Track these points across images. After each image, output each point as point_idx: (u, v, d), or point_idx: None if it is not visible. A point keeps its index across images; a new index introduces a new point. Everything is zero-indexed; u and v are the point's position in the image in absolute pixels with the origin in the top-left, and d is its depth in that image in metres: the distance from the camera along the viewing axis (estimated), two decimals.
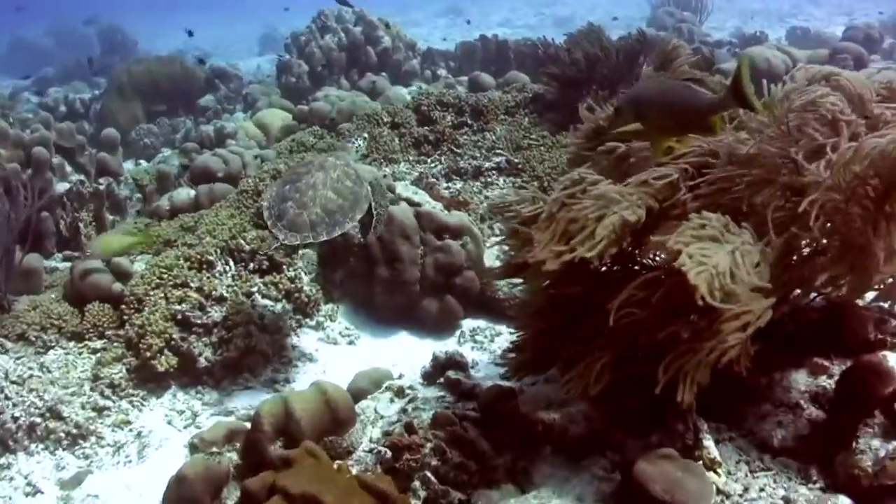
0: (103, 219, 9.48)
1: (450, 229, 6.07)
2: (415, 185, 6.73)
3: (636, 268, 3.27)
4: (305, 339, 5.98)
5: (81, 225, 8.72)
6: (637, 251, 3.23)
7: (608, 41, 8.43)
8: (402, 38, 13.89)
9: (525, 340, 3.70)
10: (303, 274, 6.22)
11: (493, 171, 7.37)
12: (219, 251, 6.05)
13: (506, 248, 3.78)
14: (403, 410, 4.04)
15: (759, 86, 3.05)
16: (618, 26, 17.84)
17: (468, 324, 6.15)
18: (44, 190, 8.65)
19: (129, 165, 14.03)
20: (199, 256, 5.93)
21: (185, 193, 7.77)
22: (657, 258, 3.12)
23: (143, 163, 13.53)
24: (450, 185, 7.28)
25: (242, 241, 6.12)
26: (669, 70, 3.94)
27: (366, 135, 7.37)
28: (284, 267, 6.17)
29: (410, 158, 7.59)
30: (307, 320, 6.12)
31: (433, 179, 7.18)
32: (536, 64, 10.60)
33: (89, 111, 16.24)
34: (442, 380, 4.28)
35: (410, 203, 6.23)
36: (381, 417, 4.10)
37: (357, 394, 4.48)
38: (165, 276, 5.79)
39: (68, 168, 9.80)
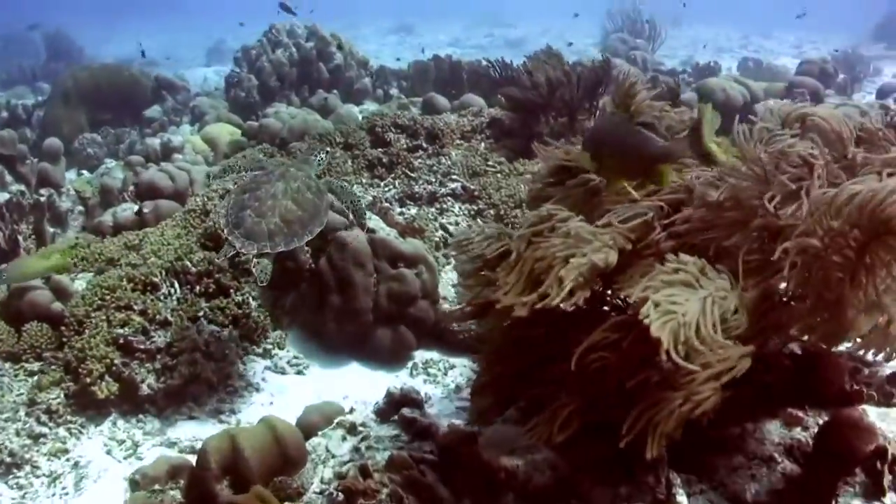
0: (43, 232, 9.23)
1: (405, 258, 5.96)
2: (369, 209, 6.58)
3: (606, 308, 3.18)
4: (252, 368, 5.82)
5: (20, 238, 8.46)
6: (607, 291, 3.14)
7: (570, 66, 8.38)
8: (354, 56, 13.73)
9: (485, 384, 3.58)
10: (251, 299, 6.06)
11: (449, 198, 7.27)
12: (164, 272, 5.89)
13: (462, 288, 3.65)
14: (356, 450, 3.89)
15: (730, 121, 2.99)
16: (572, 52, 17.94)
17: (421, 355, 6.05)
18: None
19: (71, 175, 13.75)
20: (143, 278, 5.76)
21: (128, 211, 7.56)
22: (628, 299, 3.03)
23: (86, 173, 13.24)
24: (404, 210, 7.17)
25: (189, 263, 5.95)
26: (633, 104, 3.87)
27: (323, 154, 7.17)
28: (232, 291, 6.01)
29: (364, 181, 7.46)
30: (254, 347, 5.97)
31: (387, 204, 7.06)
32: (492, 86, 10.51)
33: (32, 118, 15.88)
34: (396, 417, 4.15)
35: (364, 229, 6.10)
36: (333, 456, 3.95)
37: (307, 429, 4.34)
38: (108, 297, 5.63)
39: (8, 177, 9.51)
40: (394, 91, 13.79)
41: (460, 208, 7.17)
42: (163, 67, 31.41)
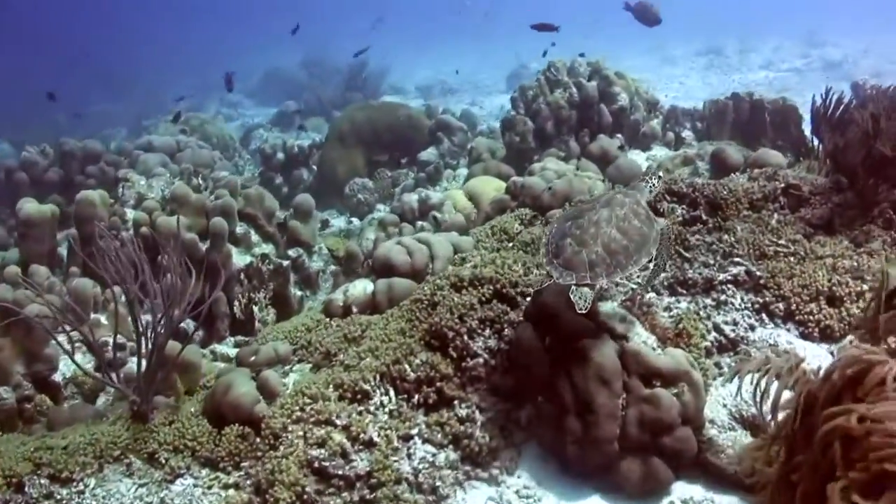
0: (287, 297, 8.98)
1: (662, 375, 4.93)
2: (624, 307, 5.59)
3: None
4: (473, 497, 5.00)
5: (256, 308, 8.17)
6: None
7: None
8: (640, 95, 12.67)
9: None
10: (478, 412, 5.26)
11: (730, 285, 6.10)
12: (378, 377, 5.24)
13: None
14: None
15: None
16: None
17: (680, 490, 4.99)
18: (220, 265, 8.21)
19: (340, 222, 13.70)
20: (353, 384, 5.19)
21: (361, 287, 7.02)
22: None
23: (356, 221, 13.12)
24: (672, 301, 6.08)
25: (407, 367, 5.30)
26: None
27: (656, 179, 6.09)
28: (457, 403, 5.25)
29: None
30: (478, 471, 5.17)
31: (651, 298, 6.00)
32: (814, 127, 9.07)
33: (310, 159, 16.09)
34: None
35: (614, 335, 5.11)
36: None
37: None
38: (308, 408, 5.04)
39: (254, 238, 9.29)
40: (686, 133, 12.61)
41: (742, 300, 5.99)
42: (461, 94, 31.97)
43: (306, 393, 5.16)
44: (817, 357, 5.41)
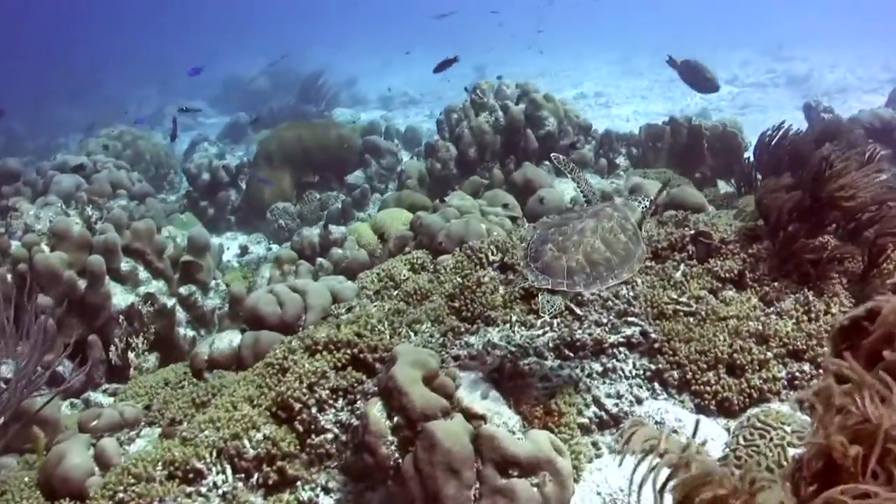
0: (173, 339, 8.40)
1: (520, 463, 4.34)
2: (491, 378, 5.02)
3: None
4: None
5: (132, 355, 7.57)
6: None
7: None
8: (571, 119, 12.07)
9: None
10: (322, 495, 4.71)
11: (622, 349, 5.55)
12: (214, 453, 4.70)
13: None
14: None
15: None
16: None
17: None
18: (97, 307, 7.69)
19: (261, 249, 13.12)
20: (184, 461, 4.63)
21: (227, 340, 6.46)
22: None
23: (275, 248, 12.55)
24: (555, 367, 5.50)
25: (247, 443, 4.75)
26: None
27: (648, 202, 5.57)
28: (300, 484, 4.72)
29: (514, 318, 5.87)
30: None
31: (529, 364, 5.42)
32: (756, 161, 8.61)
33: (238, 179, 15.49)
34: None
35: (470, 415, 4.54)
36: None
37: None
38: (131, 489, 4.50)
39: (143, 274, 8.67)
40: (621, 160, 12.04)
41: (634, 366, 5.45)
42: (422, 105, 31.45)
43: (132, 471, 4.60)
44: (712, 433, 4.88)
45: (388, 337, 5.52)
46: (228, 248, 13.45)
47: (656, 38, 39.09)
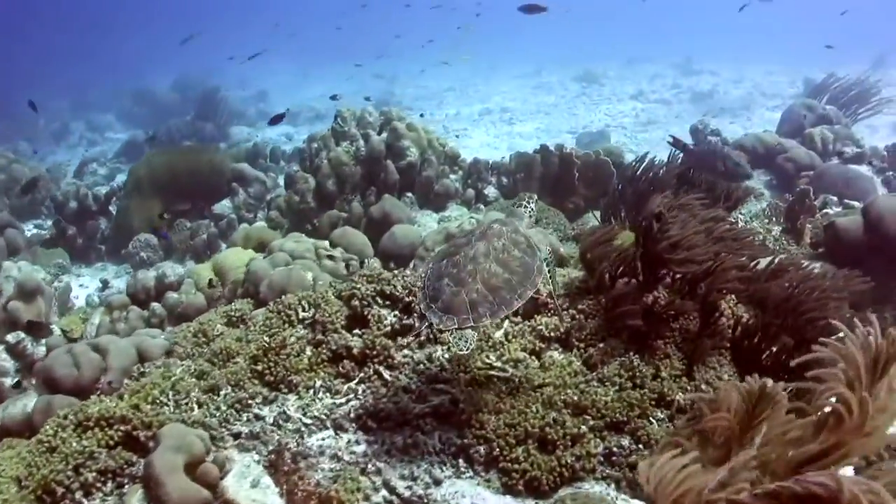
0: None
1: None
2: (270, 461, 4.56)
3: None
4: None
5: None
6: None
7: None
8: (436, 148, 11.62)
9: None
10: None
11: (428, 419, 5.11)
12: None
13: None
14: None
15: None
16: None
17: None
18: None
19: (122, 284, 12.52)
20: None
21: (20, 406, 5.97)
22: None
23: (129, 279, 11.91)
24: (352, 442, 5.04)
25: None
26: None
27: (533, 203, 5.28)
28: None
29: (318, 383, 5.42)
30: None
31: (318, 443, 4.96)
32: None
33: (108, 206, 14.84)
34: None
35: None
36: None
37: None
38: None
39: None
40: (490, 191, 11.65)
41: (440, 440, 5.00)
42: (329, 121, 30.89)
43: None
44: None
45: (169, 410, 5.04)
46: (85, 286, 12.86)
47: (569, 52, 39.28)
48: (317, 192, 11.04)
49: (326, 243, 8.61)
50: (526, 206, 5.09)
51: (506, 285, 4.33)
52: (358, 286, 5.93)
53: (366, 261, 8.60)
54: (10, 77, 39.51)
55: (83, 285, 13.25)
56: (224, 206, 13.15)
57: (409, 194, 10.88)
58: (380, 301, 5.88)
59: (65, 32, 54.56)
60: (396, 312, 5.82)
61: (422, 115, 24.16)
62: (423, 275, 4.58)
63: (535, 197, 5.27)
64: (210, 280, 8.26)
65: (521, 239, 4.65)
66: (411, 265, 8.42)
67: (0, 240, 12.83)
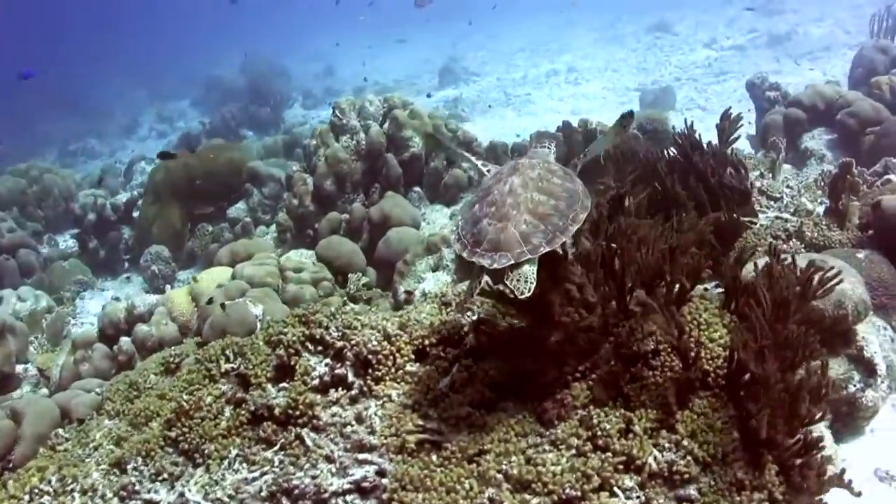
0: None
1: None
2: None
3: None
4: None
5: None
6: None
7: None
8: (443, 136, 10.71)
9: None
10: None
11: (351, 496, 4.36)
12: None
13: None
14: None
15: None
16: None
17: None
18: None
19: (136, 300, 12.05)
20: None
21: None
22: None
23: (140, 302, 11.40)
24: None
25: None
26: None
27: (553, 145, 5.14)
28: None
29: (233, 453, 4.71)
30: None
31: None
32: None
33: (131, 213, 14.42)
34: None
35: None
36: None
37: None
38: None
39: None
40: None
41: None
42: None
43: None
44: None
45: (50, 499, 4.41)
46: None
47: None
48: (315, 194, 10.29)
49: (312, 257, 7.89)
50: (548, 148, 4.91)
51: (555, 211, 4.04)
52: (285, 331, 5.18)
53: (352, 276, 7.83)
54: (80, 77, 40.03)
55: (117, 297, 12.82)
56: (239, 208, 12.51)
57: (417, 189, 10.07)
58: (310, 347, 5.12)
59: (138, 21, 55.25)
60: (328, 360, 5.05)
61: (429, 96, 23.40)
62: (455, 227, 4.29)
63: (557, 138, 5.26)
64: (210, 298, 7.50)
65: (556, 167, 4.40)
66: (395, 279, 7.66)
67: (11, 261, 12.46)
